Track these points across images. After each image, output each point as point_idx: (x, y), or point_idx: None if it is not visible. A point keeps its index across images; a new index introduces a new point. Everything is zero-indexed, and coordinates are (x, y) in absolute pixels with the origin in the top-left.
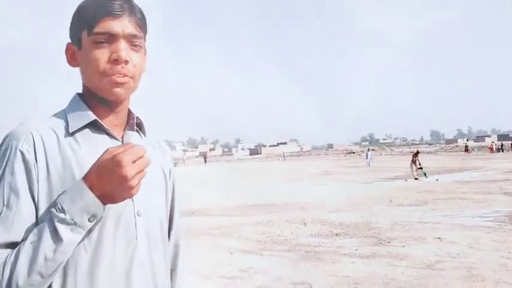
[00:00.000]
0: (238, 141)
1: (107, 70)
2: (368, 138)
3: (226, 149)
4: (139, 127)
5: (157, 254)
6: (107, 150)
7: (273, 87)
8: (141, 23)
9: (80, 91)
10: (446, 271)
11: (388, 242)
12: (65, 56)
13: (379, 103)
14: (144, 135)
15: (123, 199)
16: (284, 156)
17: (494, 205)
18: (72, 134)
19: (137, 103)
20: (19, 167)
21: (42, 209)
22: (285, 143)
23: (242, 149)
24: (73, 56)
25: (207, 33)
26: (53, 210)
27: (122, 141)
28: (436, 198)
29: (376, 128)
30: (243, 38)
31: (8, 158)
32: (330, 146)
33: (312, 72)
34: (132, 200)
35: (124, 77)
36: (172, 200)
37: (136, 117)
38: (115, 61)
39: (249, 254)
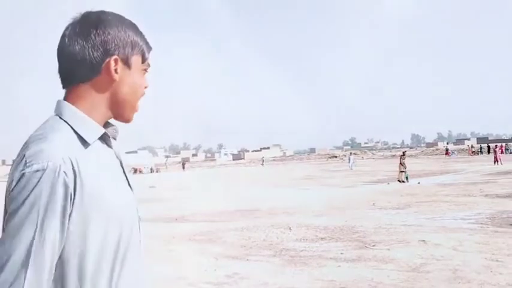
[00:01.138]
0: (221, 146)
1: (141, 96)
2: (350, 142)
3: (209, 155)
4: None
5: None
6: None
7: (256, 92)
8: None
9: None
10: (431, 273)
11: (373, 246)
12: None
13: (360, 107)
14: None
15: None
16: (263, 161)
17: (476, 207)
18: (88, 146)
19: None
20: (60, 191)
21: (74, 232)
22: (268, 148)
23: (225, 154)
24: (116, 71)
25: (189, 36)
26: None
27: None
28: (419, 201)
29: (358, 132)
30: (226, 40)
31: (44, 181)
32: (313, 150)
33: (294, 77)
34: (139, 216)
35: None
36: None
37: (114, 125)
38: (145, 88)
39: (235, 259)
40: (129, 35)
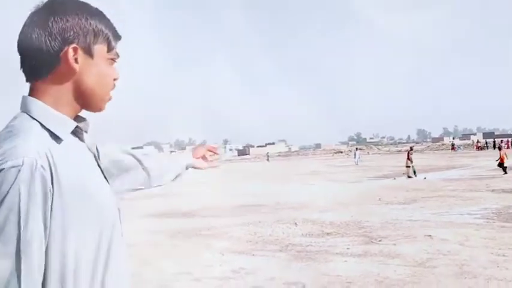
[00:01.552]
0: (226, 141)
1: (111, 87)
2: (355, 137)
3: None
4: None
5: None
6: None
7: (261, 87)
8: None
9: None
10: (438, 268)
11: (379, 241)
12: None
13: (365, 102)
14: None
15: None
16: (268, 156)
17: (482, 202)
18: (61, 141)
19: (124, 104)
20: (39, 186)
21: (57, 230)
22: (273, 143)
23: (230, 149)
24: (76, 60)
25: (195, 33)
26: None
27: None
28: (425, 197)
29: (363, 127)
30: (232, 35)
31: (21, 178)
32: (318, 145)
33: (299, 72)
34: (118, 209)
35: None
36: (111, 162)
37: (84, 118)
38: (115, 80)
39: (241, 254)
40: (91, 23)
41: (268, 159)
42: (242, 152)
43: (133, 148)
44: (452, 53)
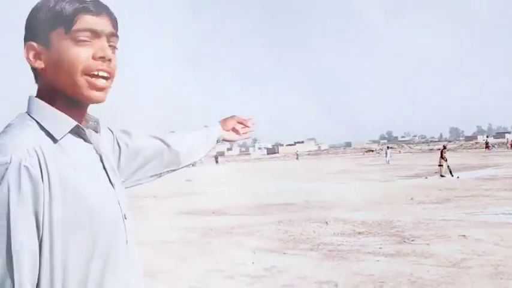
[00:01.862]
0: (255, 140)
1: (91, 66)
2: (386, 136)
3: (243, 149)
4: (99, 126)
5: (135, 260)
6: None
7: (290, 86)
8: (116, 24)
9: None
10: (472, 269)
11: (412, 240)
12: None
13: (397, 100)
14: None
15: None
16: (297, 155)
17: None
18: (58, 141)
19: (153, 102)
20: (27, 184)
21: (47, 233)
22: (302, 142)
23: (259, 148)
24: (37, 57)
25: (214, 31)
26: None
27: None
28: (458, 196)
29: (395, 125)
30: (252, 35)
31: (8, 176)
32: (348, 144)
33: (328, 70)
34: (119, 203)
35: (104, 79)
36: (134, 153)
37: (95, 117)
38: (101, 58)
39: (272, 253)
40: (44, 17)
41: (297, 158)
42: (271, 151)
43: None
44: (485, 50)
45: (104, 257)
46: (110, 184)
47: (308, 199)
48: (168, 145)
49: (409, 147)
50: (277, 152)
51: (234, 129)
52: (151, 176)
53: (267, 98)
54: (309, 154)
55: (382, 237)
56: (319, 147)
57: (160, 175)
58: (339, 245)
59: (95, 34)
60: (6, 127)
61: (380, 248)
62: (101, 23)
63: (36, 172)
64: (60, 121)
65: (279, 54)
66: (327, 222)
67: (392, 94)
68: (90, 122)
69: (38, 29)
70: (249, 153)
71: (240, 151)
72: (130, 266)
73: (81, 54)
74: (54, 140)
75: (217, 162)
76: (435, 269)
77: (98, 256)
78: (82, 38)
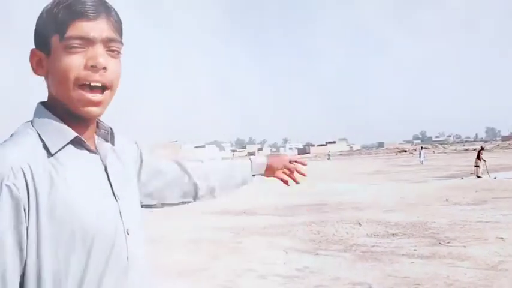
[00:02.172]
0: (286, 140)
1: (83, 77)
2: (420, 136)
3: (274, 149)
4: (111, 135)
5: (144, 264)
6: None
7: (321, 85)
8: (118, 26)
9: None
10: (510, 272)
11: (448, 242)
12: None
13: (430, 99)
14: (113, 143)
15: None
16: (329, 155)
17: None
18: (55, 154)
19: (183, 106)
20: (7, 204)
21: (32, 254)
22: (334, 142)
23: (290, 148)
24: (40, 64)
25: (238, 34)
26: None
27: (97, 151)
28: (496, 197)
29: (428, 125)
30: (275, 34)
31: None
32: (381, 144)
33: (360, 69)
34: (121, 216)
35: (99, 94)
36: (155, 172)
37: (107, 126)
38: (92, 68)
39: (304, 253)
40: (43, 23)
41: (329, 158)
42: (302, 151)
43: (195, 147)
44: None
45: (98, 274)
46: (112, 197)
47: (340, 200)
48: (190, 176)
49: (444, 147)
50: (308, 152)
51: (288, 169)
52: (164, 204)
53: (298, 98)
54: (340, 154)
55: (417, 239)
56: (351, 147)
57: (175, 204)
58: (373, 246)
59: (88, 41)
60: (11, 135)
61: (415, 249)
62: (95, 29)
63: (19, 191)
64: (58, 133)
65: (309, 53)
66: (360, 223)
67: (426, 93)
68: (102, 130)
69: (38, 35)
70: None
71: (271, 151)
72: (130, 284)
73: (73, 64)
74: (50, 153)
75: None
76: (472, 272)
77: (92, 273)
78: (74, 46)
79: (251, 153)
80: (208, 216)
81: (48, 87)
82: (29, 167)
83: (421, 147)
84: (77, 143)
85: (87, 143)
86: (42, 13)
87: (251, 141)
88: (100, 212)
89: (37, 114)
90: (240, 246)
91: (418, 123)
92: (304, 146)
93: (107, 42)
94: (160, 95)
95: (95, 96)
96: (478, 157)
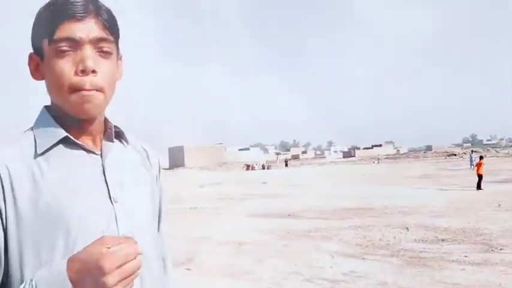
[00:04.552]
0: (330, 143)
1: (75, 84)
2: (470, 139)
3: (319, 152)
4: (119, 136)
5: (152, 273)
6: (99, 239)
7: (367, 87)
8: (110, 25)
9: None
10: None
11: (500, 249)
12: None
13: (481, 100)
14: (127, 142)
15: None
16: (378, 159)
17: None
18: (43, 154)
19: (230, 110)
20: None
21: (15, 254)
22: (380, 146)
23: (335, 151)
24: (37, 68)
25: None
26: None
27: (101, 153)
28: None
29: (479, 128)
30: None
31: None
32: (429, 148)
33: (405, 70)
34: (116, 221)
35: (93, 91)
36: (160, 211)
37: (114, 126)
38: (82, 72)
39: (351, 257)
40: (35, 26)
41: (378, 162)
42: (347, 154)
43: (240, 150)
44: None
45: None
46: (107, 199)
47: (386, 204)
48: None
49: (496, 151)
50: (354, 156)
51: None
52: None
53: (343, 101)
54: (387, 158)
55: (468, 245)
56: (398, 150)
57: None
58: (421, 252)
59: (76, 43)
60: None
61: (465, 256)
62: (83, 29)
63: None
64: (48, 133)
65: (357, 54)
66: (407, 228)
67: (477, 94)
68: (108, 130)
69: (33, 39)
70: (324, 157)
71: (315, 154)
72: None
73: (64, 69)
74: (36, 154)
75: (286, 165)
76: None
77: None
78: (63, 49)
79: (295, 156)
80: (254, 219)
81: (47, 90)
82: (7, 168)
83: (472, 151)
84: (71, 143)
85: (82, 143)
86: (36, 16)
87: (295, 144)
88: (85, 213)
89: (38, 116)
90: (286, 249)
91: (469, 126)
92: (349, 149)
93: (96, 43)
94: (215, 97)
95: (88, 93)
96: None
